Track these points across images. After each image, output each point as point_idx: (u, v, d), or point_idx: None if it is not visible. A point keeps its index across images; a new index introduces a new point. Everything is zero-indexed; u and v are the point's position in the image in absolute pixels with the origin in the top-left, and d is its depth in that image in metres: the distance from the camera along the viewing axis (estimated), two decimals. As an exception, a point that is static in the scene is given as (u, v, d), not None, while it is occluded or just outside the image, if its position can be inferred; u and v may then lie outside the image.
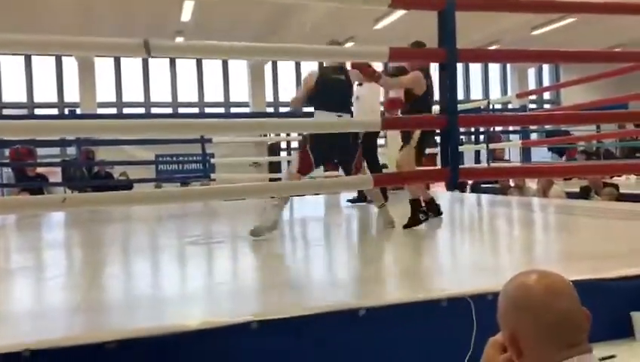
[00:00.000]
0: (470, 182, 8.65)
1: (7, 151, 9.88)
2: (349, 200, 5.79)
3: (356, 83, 4.36)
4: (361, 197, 5.67)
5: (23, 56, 12.81)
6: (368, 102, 5.02)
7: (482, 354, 1.11)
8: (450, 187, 7.39)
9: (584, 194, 6.53)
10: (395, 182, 3.06)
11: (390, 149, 6.77)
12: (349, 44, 12.44)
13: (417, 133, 3.62)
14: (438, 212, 4.07)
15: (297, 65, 15.50)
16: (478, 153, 10.02)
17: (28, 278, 2.69)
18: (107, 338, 1.53)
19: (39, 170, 8.55)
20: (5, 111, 12.87)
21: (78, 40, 1.90)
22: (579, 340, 1.00)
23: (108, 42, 1.92)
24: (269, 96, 15.11)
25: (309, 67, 15.46)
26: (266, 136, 9.65)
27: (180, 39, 10.83)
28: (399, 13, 10.93)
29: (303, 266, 2.86)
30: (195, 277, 2.65)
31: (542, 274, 1.05)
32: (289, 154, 10.35)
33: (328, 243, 3.11)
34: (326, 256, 3.09)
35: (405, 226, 3.53)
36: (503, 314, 1.06)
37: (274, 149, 11.73)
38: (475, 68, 16.64)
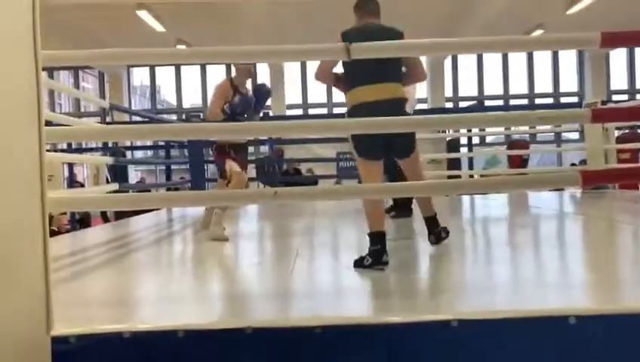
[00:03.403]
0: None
1: (211, 151, 11.19)
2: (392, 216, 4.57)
3: None
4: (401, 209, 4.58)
5: (199, 66, 14.62)
6: None
7: None
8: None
9: None
10: (605, 181, 2.75)
11: (590, 142, 6.15)
12: (537, 32, 11.61)
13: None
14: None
15: (479, 57, 14.90)
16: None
17: (233, 264, 3.02)
18: (315, 324, 1.64)
19: (237, 167, 9.53)
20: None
21: (288, 47, 2.08)
22: None
23: (315, 48, 2.07)
24: (449, 92, 14.80)
25: (492, 60, 14.79)
26: (444, 132, 9.47)
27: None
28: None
29: (501, 267, 2.74)
30: (383, 271, 2.70)
31: None
32: (470, 150, 10.02)
33: (515, 244, 2.94)
34: (509, 257, 2.93)
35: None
36: None
37: (453, 145, 11.44)
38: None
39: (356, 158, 2.83)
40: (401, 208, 4.63)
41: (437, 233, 2.96)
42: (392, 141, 2.73)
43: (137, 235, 4.47)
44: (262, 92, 4.03)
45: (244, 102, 3.87)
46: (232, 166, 3.93)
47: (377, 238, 2.55)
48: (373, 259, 2.50)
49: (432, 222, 2.96)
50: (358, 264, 2.54)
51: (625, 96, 14.33)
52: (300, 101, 14.68)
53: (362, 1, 3.01)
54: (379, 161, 2.78)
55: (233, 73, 4.09)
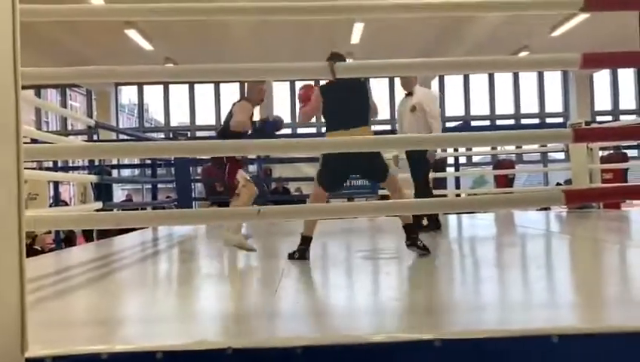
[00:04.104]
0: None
1: (199, 170, 11.16)
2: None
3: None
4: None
5: (187, 85, 14.64)
6: None
7: None
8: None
9: None
10: (587, 199, 2.78)
11: (575, 162, 6.23)
12: (522, 54, 11.80)
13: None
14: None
15: (466, 78, 15.09)
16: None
17: (218, 284, 2.98)
18: (296, 344, 1.62)
19: (225, 185, 9.50)
20: (198, 133, 14.57)
21: (274, 66, 2.09)
22: None
23: (299, 66, 2.08)
24: (436, 112, 14.93)
25: (478, 81, 14.98)
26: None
27: (349, 60, 11.26)
28: (578, 19, 10.15)
29: (487, 286, 2.74)
30: (370, 290, 2.69)
31: None
32: (456, 169, 10.08)
33: (501, 264, 2.95)
34: (496, 276, 2.93)
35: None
36: None
37: (439, 165, 11.48)
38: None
39: (314, 181, 3.45)
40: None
41: (413, 238, 3.28)
42: (362, 169, 3.39)
43: (121, 254, 4.41)
44: (277, 122, 4.08)
45: (275, 123, 4.01)
46: (244, 176, 3.87)
47: (306, 240, 3.40)
48: (300, 255, 3.37)
49: (409, 229, 3.31)
50: (290, 256, 3.38)
51: (609, 117, 14.56)
52: (288, 121, 14.72)
53: (333, 58, 3.35)
54: (328, 192, 3.50)
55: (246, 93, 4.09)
